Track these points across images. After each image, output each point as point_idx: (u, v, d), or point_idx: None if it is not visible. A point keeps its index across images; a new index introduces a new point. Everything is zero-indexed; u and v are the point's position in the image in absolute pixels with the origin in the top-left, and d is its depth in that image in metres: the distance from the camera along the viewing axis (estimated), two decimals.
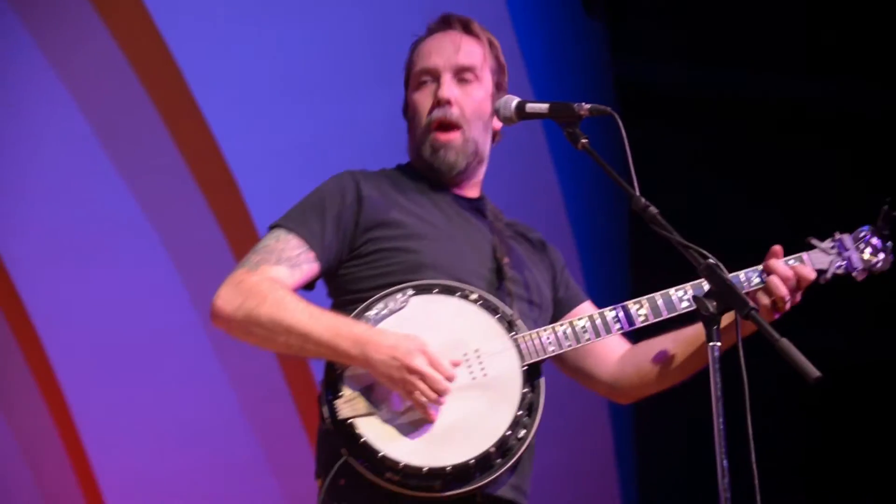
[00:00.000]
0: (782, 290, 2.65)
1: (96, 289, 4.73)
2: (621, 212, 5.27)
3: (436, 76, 2.75)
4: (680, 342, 2.75)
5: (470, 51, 2.77)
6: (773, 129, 5.59)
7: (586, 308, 2.85)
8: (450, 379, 2.47)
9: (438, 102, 2.72)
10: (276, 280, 2.55)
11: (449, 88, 2.72)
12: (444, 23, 2.80)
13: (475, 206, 2.80)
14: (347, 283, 2.64)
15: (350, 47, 4.84)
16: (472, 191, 2.81)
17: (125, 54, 4.70)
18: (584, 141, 2.61)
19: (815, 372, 2.28)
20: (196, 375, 4.81)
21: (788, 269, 2.67)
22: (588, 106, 2.61)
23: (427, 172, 2.76)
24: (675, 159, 5.43)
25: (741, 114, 5.57)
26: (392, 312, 2.54)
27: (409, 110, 2.79)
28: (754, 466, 2.30)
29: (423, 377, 2.45)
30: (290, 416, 4.80)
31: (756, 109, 5.59)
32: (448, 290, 2.58)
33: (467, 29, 2.79)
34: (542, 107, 2.67)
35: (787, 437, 5.46)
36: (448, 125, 2.72)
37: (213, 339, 4.77)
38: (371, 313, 2.54)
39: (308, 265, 2.60)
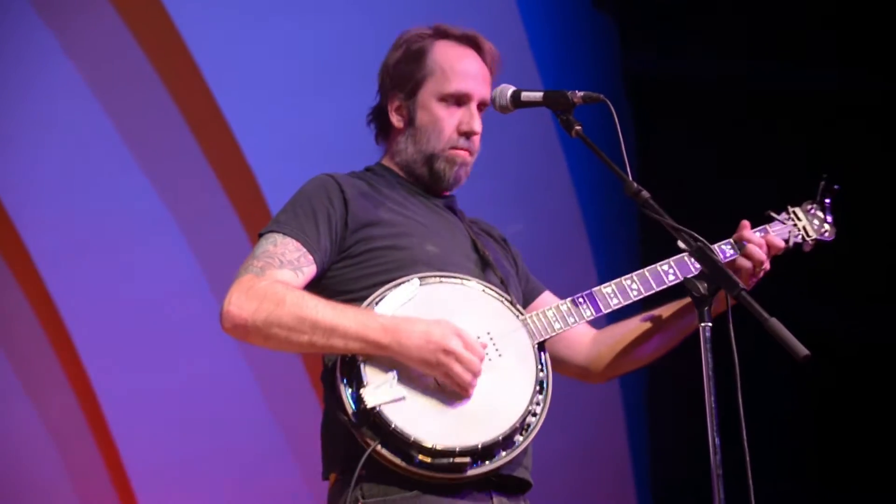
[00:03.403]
0: (761, 255, 2.74)
1: (121, 282, 4.75)
2: (631, 200, 5.24)
3: (466, 102, 2.76)
4: (654, 322, 2.79)
5: (489, 87, 2.80)
6: (781, 118, 5.56)
7: (547, 298, 2.89)
8: (481, 359, 2.48)
9: (469, 133, 2.75)
10: (286, 282, 2.52)
11: (478, 122, 2.76)
12: (476, 45, 2.81)
13: (447, 204, 2.83)
14: (338, 283, 2.62)
15: (365, 43, 4.84)
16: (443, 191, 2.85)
17: (147, 56, 4.73)
18: (577, 128, 2.61)
19: (803, 350, 2.29)
20: (219, 366, 4.83)
21: (761, 238, 2.78)
22: (581, 93, 2.62)
23: (419, 178, 2.77)
24: (681, 150, 5.41)
25: (748, 105, 5.53)
26: (403, 304, 2.53)
27: (420, 116, 2.76)
28: (745, 444, 2.31)
29: (458, 358, 2.45)
30: (312, 406, 4.81)
31: (763, 100, 5.55)
32: (450, 279, 2.59)
33: (493, 64, 2.81)
34: (537, 95, 2.68)
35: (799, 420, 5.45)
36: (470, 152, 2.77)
37: None
38: (382, 307, 2.53)
39: (308, 268, 2.58)
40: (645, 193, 2.51)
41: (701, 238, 2.45)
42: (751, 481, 2.32)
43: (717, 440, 2.31)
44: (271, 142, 4.82)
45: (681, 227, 2.46)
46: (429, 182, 2.77)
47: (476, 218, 2.90)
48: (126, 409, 4.77)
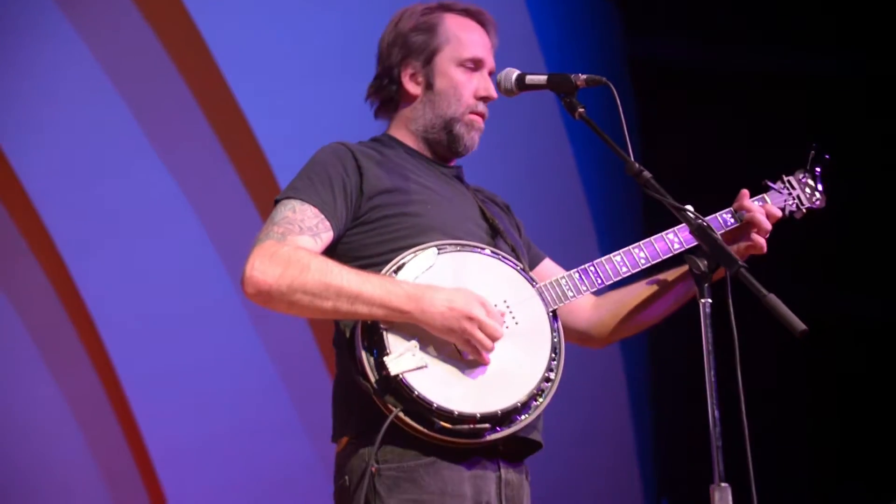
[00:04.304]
0: (767, 223, 2.75)
1: (139, 262, 4.75)
2: (634, 182, 5.21)
3: (479, 67, 2.77)
4: (656, 288, 2.78)
5: (493, 57, 2.83)
6: (783, 102, 5.52)
7: (548, 265, 2.88)
8: (502, 325, 2.47)
9: (486, 98, 2.75)
10: (308, 248, 2.49)
11: (493, 87, 2.76)
12: (480, 21, 2.81)
13: (455, 174, 2.81)
14: (354, 249, 2.59)
15: (377, 31, 4.81)
16: (451, 161, 2.83)
17: (161, 41, 4.71)
18: (580, 110, 2.59)
19: (801, 325, 2.26)
20: (233, 342, 4.83)
21: (760, 207, 2.78)
22: (584, 77, 2.60)
23: (435, 143, 2.75)
24: (685, 134, 5.38)
25: (746, 88, 5.50)
26: (423, 272, 2.51)
27: (439, 81, 2.74)
28: (744, 418, 2.29)
29: (481, 325, 2.43)
30: (323, 380, 4.80)
31: (761, 83, 5.52)
32: (466, 248, 2.58)
33: (494, 36, 2.83)
34: (541, 78, 2.67)
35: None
36: (483, 118, 2.78)
37: (249, 308, 4.78)
38: (401, 276, 2.50)
39: (326, 234, 2.55)
40: (646, 174, 2.49)
41: (701, 216, 2.44)
42: (749, 454, 2.30)
43: (716, 413, 2.29)
44: (284, 128, 4.81)
45: (681, 206, 2.44)
46: (445, 146, 2.75)
47: (479, 186, 2.88)
48: (146, 387, 4.77)
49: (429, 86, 2.74)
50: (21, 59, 4.64)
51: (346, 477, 2.49)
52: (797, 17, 5.43)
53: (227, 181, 4.78)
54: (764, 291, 2.29)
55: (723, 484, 2.25)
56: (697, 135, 5.45)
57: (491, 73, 2.79)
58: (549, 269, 2.85)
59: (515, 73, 2.70)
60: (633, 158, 2.53)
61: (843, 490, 5.43)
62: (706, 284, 2.38)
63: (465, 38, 2.76)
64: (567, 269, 2.79)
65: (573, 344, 2.79)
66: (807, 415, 5.49)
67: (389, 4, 4.78)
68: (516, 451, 2.59)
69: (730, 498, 2.25)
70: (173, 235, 4.77)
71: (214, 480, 4.80)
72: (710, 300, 2.37)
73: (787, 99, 5.46)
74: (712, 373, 2.31)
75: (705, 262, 2.40)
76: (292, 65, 4.83)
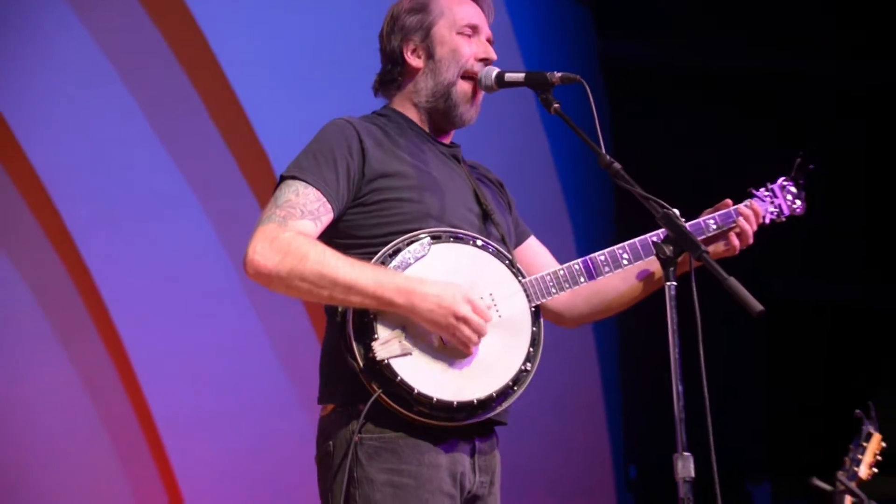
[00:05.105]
0: (751, 237, 2.76)
1: (147, 246, 4.75)
2: (607, 175, 5.22)
3: (477, 33, 2.72)
4: (629, 277, 2.77)
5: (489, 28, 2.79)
6: (751, 103, 5.53)
7: (533, 243, 2.86)
8: (488, 321, 2.47)
9: (486, 60, 2.69)
10: (307, 234, 2.47)
11: (493, 51, 2.71)
12: None
13: (452, 153, 2.75)
14: (350, 228, 2.57)
15: (371, 30, 4.80)
16: (448, 138, 2.77)
17: (165, 37, 4.70)
18: (556, 106, 2.57)
19: (758, 306, 2.27)
20: (233, 321, 4.83)
21: (749, 212, 2.77)
22: (559, 74, 2.58)
23: (436, 112, 2.70)
24: (656, 133, 5.38)
25: (707, 86, 5.51)
26: (416, 260, 2.50)
27: (440, 49, 2.69)
28: (706, 393, 2.29)
29: (467, 322, 2.43)
30: (317, 358, 4.80)
31: (735, 84, 5.53)
32: (459, 238, 2.55)
33: (489, 11, 2.78)
34: (519, 76, 2.64)
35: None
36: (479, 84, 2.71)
37: (248, 289, 4.78)
38: (395, 262, 2.49)
39: (326, 217, 2.52)
40: (617, 165, 2.47)
41: (667, 205, 2.43)
42: (710, 426, 2.31)
43: (680, 388, 2.30)
44: (282, 123, 4.80)
45: (649, 195, 2.43)
46: (443, 114, 2.69)
47: (475, 162, 2.83)
48: (151, 360, 4.77)
49: (430, 56, 2.68)
50: (31, 52, 4.62)
51: (331, 443, 2.50)
52: (769, 17, 5.44)
53: (226, 169, 4.78)
54: (725, 275, 2.30)
55: (685, 453, 2.27)
56: (668, 134, 5.46)
57: (489, 42, 2.73)
58: (533, 247, 2.83)
59: (495, 71, 2.67)
60: (604, 152, 2.52)
61: (799, 461, 5.47)
62: (671, 268, 2.38)
63: (457, 9, 2.72)
64: None
65: (547, 321, 2.77)
66: (767, 389, 5.52)
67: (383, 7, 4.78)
68: (489, 427, 2.60)
69: (692, 466, 2.27)
70: (177, 220, 4.77)
71: (218, 451, 4.80)
72: (675, 283, 2.37)
73: (759, 98, 5.48)
74: (676, 350, 2.31)
75: (671, 248, 2.39)
76: (291, 58, 4.82)
